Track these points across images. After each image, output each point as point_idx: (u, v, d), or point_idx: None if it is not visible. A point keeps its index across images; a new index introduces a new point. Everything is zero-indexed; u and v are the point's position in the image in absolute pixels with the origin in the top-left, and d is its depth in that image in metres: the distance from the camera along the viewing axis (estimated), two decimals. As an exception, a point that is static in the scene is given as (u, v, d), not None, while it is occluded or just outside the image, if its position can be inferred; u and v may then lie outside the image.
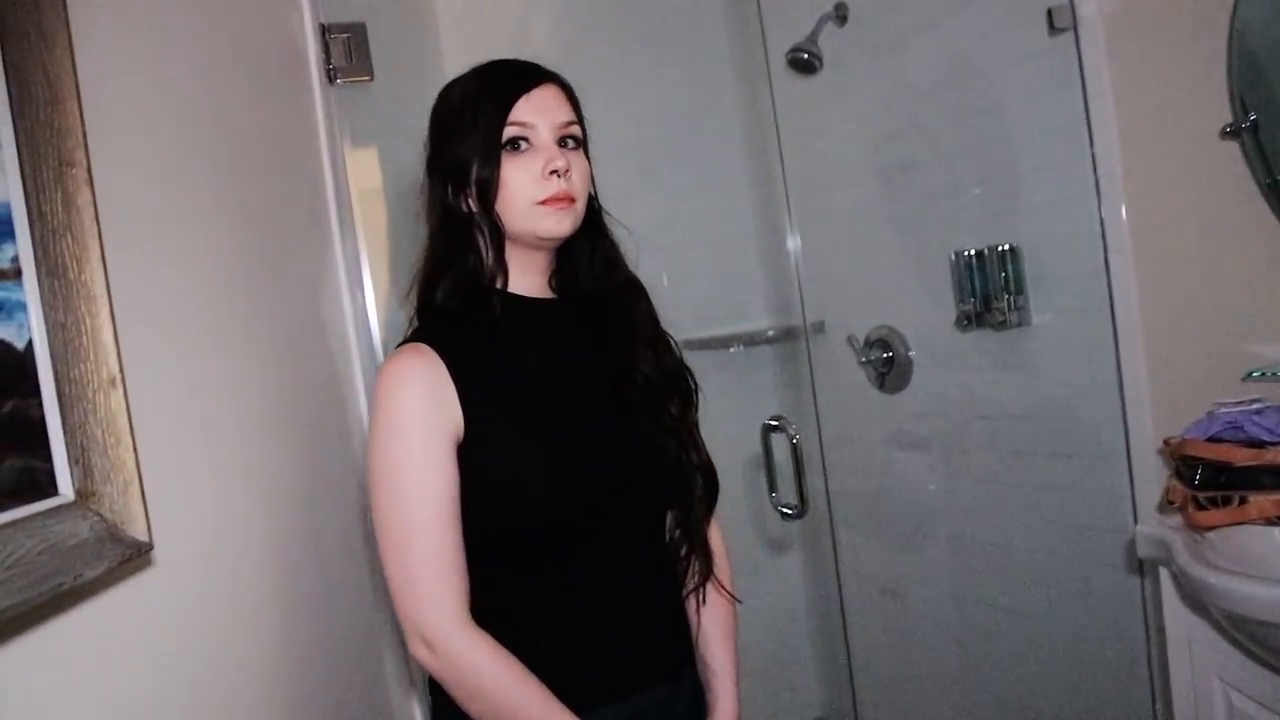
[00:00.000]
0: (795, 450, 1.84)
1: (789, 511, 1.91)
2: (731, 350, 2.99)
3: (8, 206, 0.75)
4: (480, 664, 1.18)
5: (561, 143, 1.29)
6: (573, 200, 1.28)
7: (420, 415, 1.19)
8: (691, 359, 2.91)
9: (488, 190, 1.26)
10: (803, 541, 3.06)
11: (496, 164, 1.26)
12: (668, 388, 1.38)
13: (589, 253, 1.37)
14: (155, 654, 0.90)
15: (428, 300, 1.32)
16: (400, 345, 1.27)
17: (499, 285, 1.31)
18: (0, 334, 0.72)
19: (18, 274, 0.74)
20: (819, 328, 2.80)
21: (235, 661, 1.08)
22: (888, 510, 2.71)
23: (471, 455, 1.21)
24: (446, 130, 1.29)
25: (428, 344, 1.23)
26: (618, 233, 1.42)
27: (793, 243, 2.50)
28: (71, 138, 0.80)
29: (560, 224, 1.28)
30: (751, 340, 2.92)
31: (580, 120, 1.34)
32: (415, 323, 1.34)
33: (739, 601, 1.47)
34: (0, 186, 0.74)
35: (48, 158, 0.78)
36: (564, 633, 1.26)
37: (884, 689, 2.75)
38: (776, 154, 2.51)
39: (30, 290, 0.75)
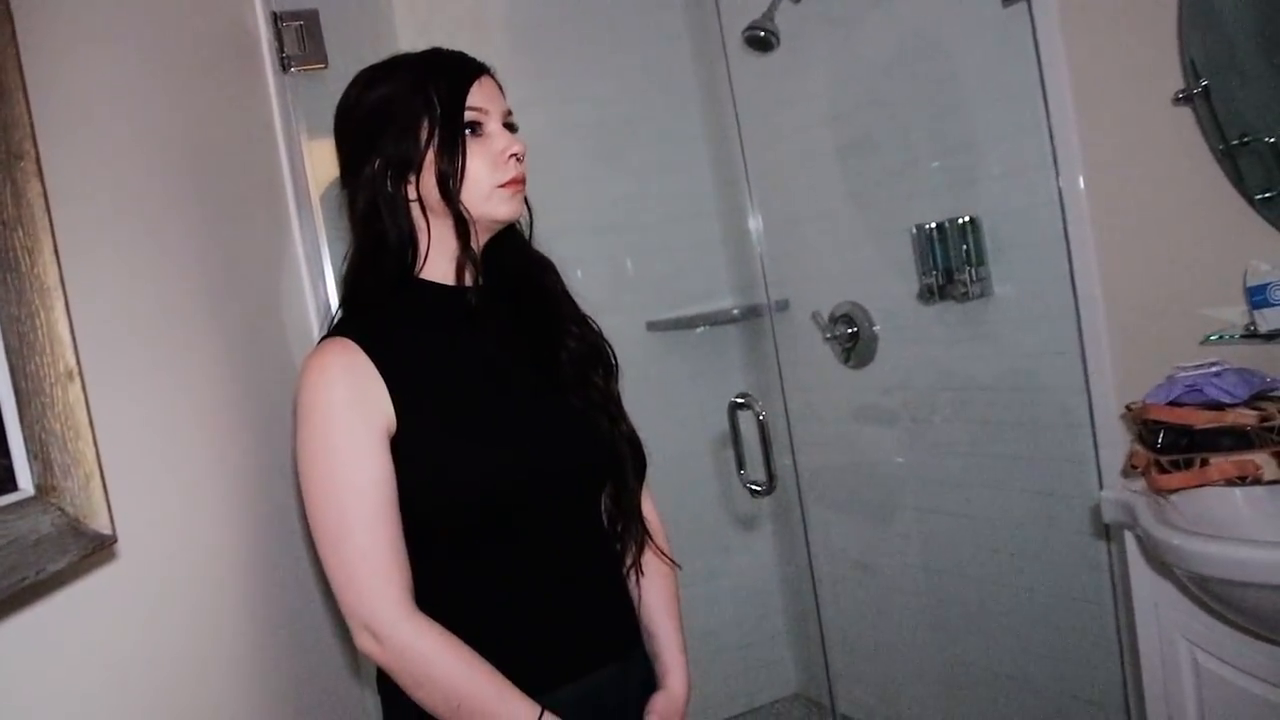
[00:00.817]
0: (762, 427, 1.85)
1: (757, 488, 1.92)
2: (698, 331, 3.00)
3: (-45, 200, 0.73)
4: (429, 652, 1.18)
5: (506, 128, 1.31)
6: (524, 183, 1.29)
7: (346, 409, 1.18)
8: (657, 340, 2.95)
9: (451, 178, 1.26)
10: (773, 518, 3.08)
11: (462, 151, 1.26)
12: (592, 360, 1.39)
13: (508, 236, 1.38)
14: (121, 646, 0.89)
15: (354, 292, 1.32)
16: (322, 339, 1.26)
17: (432, 275, 1.32)
18: (-48, 329, 0.71)
19: (-32, 268, 0.73)
20: (783, 305, 2.81)
21: (201, 652, 1.07)
22: (856, 484, 2.73)
23: (406, 446, 1.21)
24: (384, 120, 1.28)
25: (350, 337, 1.22)
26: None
27: (754, 221, 2.51)
28: (19, 129, 0.78)
29: (517, 206, 1.31)
30: (716, 320, 2.93)
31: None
32: (338, 315, 1.34)
33: (679, 567, 1.47)
34: (-54, 180, 0.73)
35: (-6, 150, 0.76)
36: (512, 617, 1.27)
37: (858, 661, 2.78)
38: (735, 133, 2.52)
39: (-18, 285, 0.74)
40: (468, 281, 1.31)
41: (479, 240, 1.31)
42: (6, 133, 0.77)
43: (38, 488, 0.76)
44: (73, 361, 0.79)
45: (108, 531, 0.80)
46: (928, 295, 2.31)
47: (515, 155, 1.29)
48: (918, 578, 2.57)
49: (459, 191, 1.26)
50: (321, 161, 1.69)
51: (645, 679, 1.40)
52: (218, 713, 1.07)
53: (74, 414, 0.79)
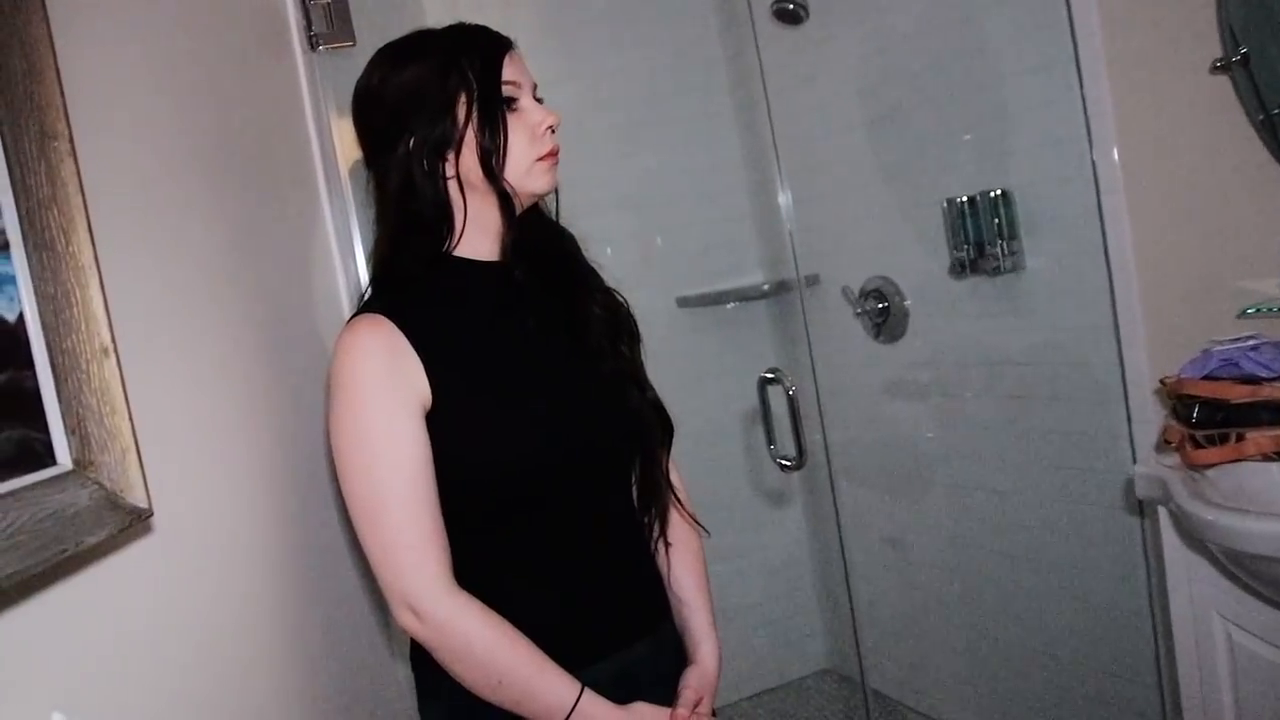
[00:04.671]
0: (791, 402, 1.85)
1: (787, 463, 1.92)
2: (728, 307, 2.99)
3: (-9, 181, 0.75)
4: (469, 628, 1.18)
5: (537, 101, 1.31)
6: (558, 155, 1.30)
7: (380, 385, 1.19)
8: (687, 316, 2.94)
9: (494, 154, 1.26)
10: (803, 494, 3.08)
11: (503, 126, 1.26)
12: (618, 329, 1.40)
13: (536, 211, 1.38)
14: (156, 617, 0.91)
15: (386, 269, 1.32)
16: (353, 317, 1.27)
17: (464, 252, 1.32)
18: (-10, 307, 0.72)
19: (5, 247, 0.74)
20: (813, 280, 2.80)
21: (235, 625, 1.09)
22: (887, 460, 2.72)
23: (441, 422, 1.21)
24: (417, 99, 1.27)
25: (383, 314, 1.23)
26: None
27: (783, 196, 2.50)
28: (52, 110, 0.79)
29: (554, 179, 1.32)
30: (746, 296, 2.92)
31: None
32: (369, 292, 1.34)
33: (707, 533, 1.48)
34: (-17, 161, 0.74)
35: (29, 131, 0.77)
36: (547, 592, 1.28)
37: (889, 637, 2.78)
38: (764, 107, 2.50)
39: (19, 263, 0.75)
40: (490, 255, 1.32)
41: (494, 217, 1.31)
42: (40, 113, 0.78)
43: (75, 462, 0.77)
44: (108, 338, 0.80)
45: (144, 505, 0.82)
46: (959, 269, 2.29)
47: (551, 127, 1.29)
48: (948, 553, 2.57)
49: (502, 167, 1.27)
50: (350, 140, 1.70)
51: (676, 652, 1.41)
52: (250, 685, 1.09)
53: (110, 390, 0.80)
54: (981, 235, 2.21)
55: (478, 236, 1.31)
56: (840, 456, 2.54)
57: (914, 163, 2.42)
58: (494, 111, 1.26)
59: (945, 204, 2.29)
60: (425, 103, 1.26)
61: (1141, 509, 1.96)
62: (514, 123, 1.27)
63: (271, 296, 1.38)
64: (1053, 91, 1.96)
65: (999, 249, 2.17)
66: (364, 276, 1.64)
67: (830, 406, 2.46)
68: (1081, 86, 1.87)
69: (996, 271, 2.19)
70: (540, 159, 1.28)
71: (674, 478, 1.46)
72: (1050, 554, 2.25)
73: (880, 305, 2.57)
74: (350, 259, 1.67)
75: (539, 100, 1.32)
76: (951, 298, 2.39)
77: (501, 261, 1.33)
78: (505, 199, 1.28)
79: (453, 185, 1.29)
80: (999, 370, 2.31)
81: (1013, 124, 2.15)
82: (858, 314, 2.61)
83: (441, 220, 1.30)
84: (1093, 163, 1.88)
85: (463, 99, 1.26)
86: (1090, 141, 1.88)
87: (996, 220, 2.17)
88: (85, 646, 0.78)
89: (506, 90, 1.27)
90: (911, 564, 2.70)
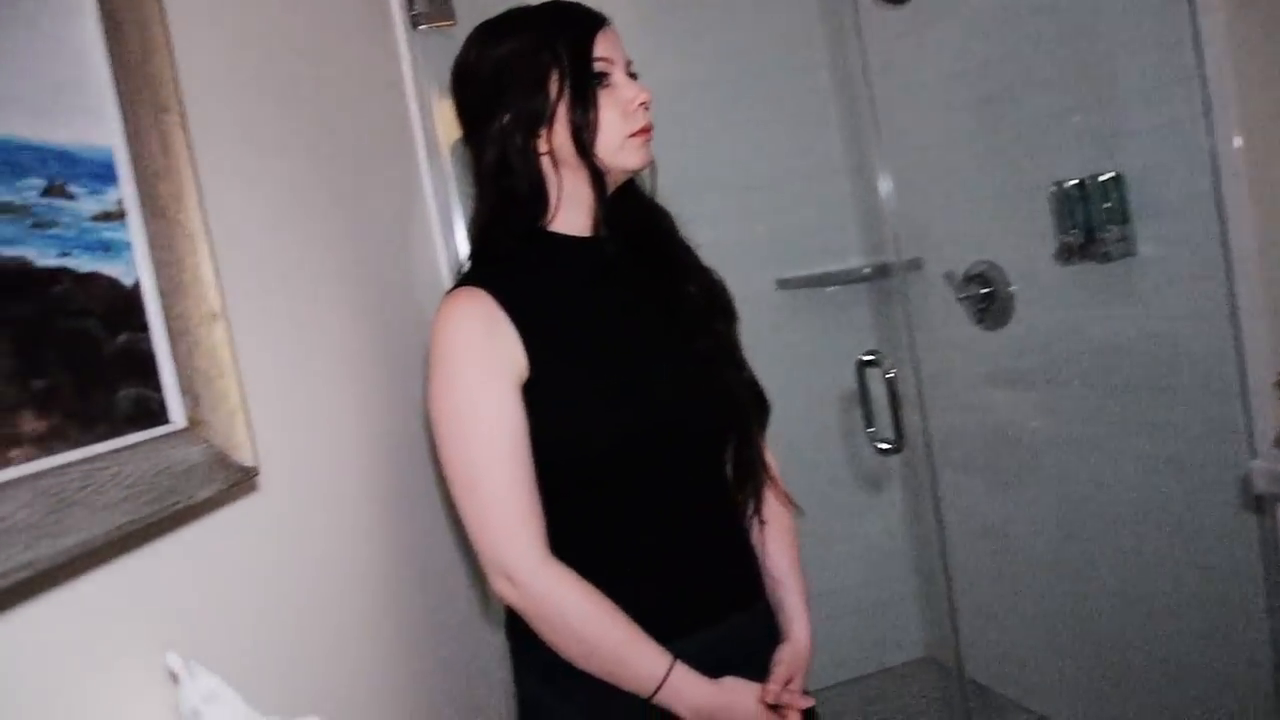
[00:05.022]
0: (890, 385, 1.82)
1: (885, 447, 1.90)
2: (829, 290, 2.97)
3: (110, 152, 0.78)
4: (564, 598, 1.20)
5: (630, 76, 1.32)
6: (652, 131, 1.30)
7: (479, 357, 1.21)
8: (787, 298, 2.92)
9: (584, 130, 1.28)
10: (902, 480, 3.04)
11: (594, 102, 1.28)
12: (714, 307, 1.39)
13: (626, 186, 1.39)
14: (260, 571, 0.95)
15: (483, 243, 1.35)
16: (451, 289, 1.29)
17: (559, 227, 1.34)
18: (111, 272, 0.76)
19: (122, 216, 0.78)
20: (915, 264, 2.75)
21: (334, 585, 1.13)
22: (988, 447, 2.67)
23: (538, 394, 1.23)
24: (510, 76, 1.29)
25: (480, 287, 1.25)
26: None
27: (885, 178, 2.46)
28: (165, 84, 0.83)
29: (648, 154, 1.33)
30: (847, 279, 2.89)
31: None
32: (467, 266, 1.37)
33: (801, 511, 1.47)
34: (103, 134, 0.78)
35: (144, 105, 0.81)
36: (640, 565, 1.29)
37: (987, 629, 2.73)
38: (865, 88, 2.46)
39: (135, 231, 0.79)
40: (583, 230, 1.34)
41: (589, 192, 1.32)
42: (154, 88, 0.82)
43: (188, 421, 0.81)
44: (216, 304, 0.84)
45: (250, 464, 0.85)
46: (1066, 255, 2.22)
47: (644, 104, 1.30)
48: (1052, 546, 2.50)
49: (593, 143, 1.28)
50: (451, 118, 1.73)
51: (768, 629, 1.41)
52: (346, 645, 1.12)
53: (219, 353, 0.84)
54: (1091, 220, 2.14)
55: (573, 212, 1.33)
56: (940, 442, 2.49)
57: (1021, 145, 2.36)
58: (585, 87, 1.27)
59: (1054, 187, 2.22)
60: (519, 79, 1.28)
61: (1259, 504, 1.88)
62: (605, 99, 1.28)
63: (372, 268, 1.42)
64: (1170, 71, 1.88)
65: (1109, 234, 2.10)
66: (463, 251, 1.67)
67: (930, 392, 2.42)
68: (1201, 66, 1.79)
69: (1106, 258, 2.12)
70: (632, 135, 1.29)
71: (768, 456, 1.46)
72: (1159, 549, 2.17)
73: (984, 291, 2.52)
74: (450, 234, 1.71)
75: (633, 76, 1.33)
76: (1058, 284, 2.33)
77: (596, 237, 1.35)
78: (597, 175, 1.30)
79: (546, 161, 1.31)
80: (1107, 359, 2.24)
81: (1126, 105, 2.08)
82: (960, 299, 2.56)
83: (536, 195, 1.32)
84: (1212, 146, 1.80)
85: (555, 75, 1.27)
86: (1209, 124, 1.80)
87: (1107, 204, 2.10)
88: (194, 595, 0.82)
89: (599, 66, 1.28)
90: (1012, 554, 2.64)
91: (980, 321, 2.57)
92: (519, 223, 1.32)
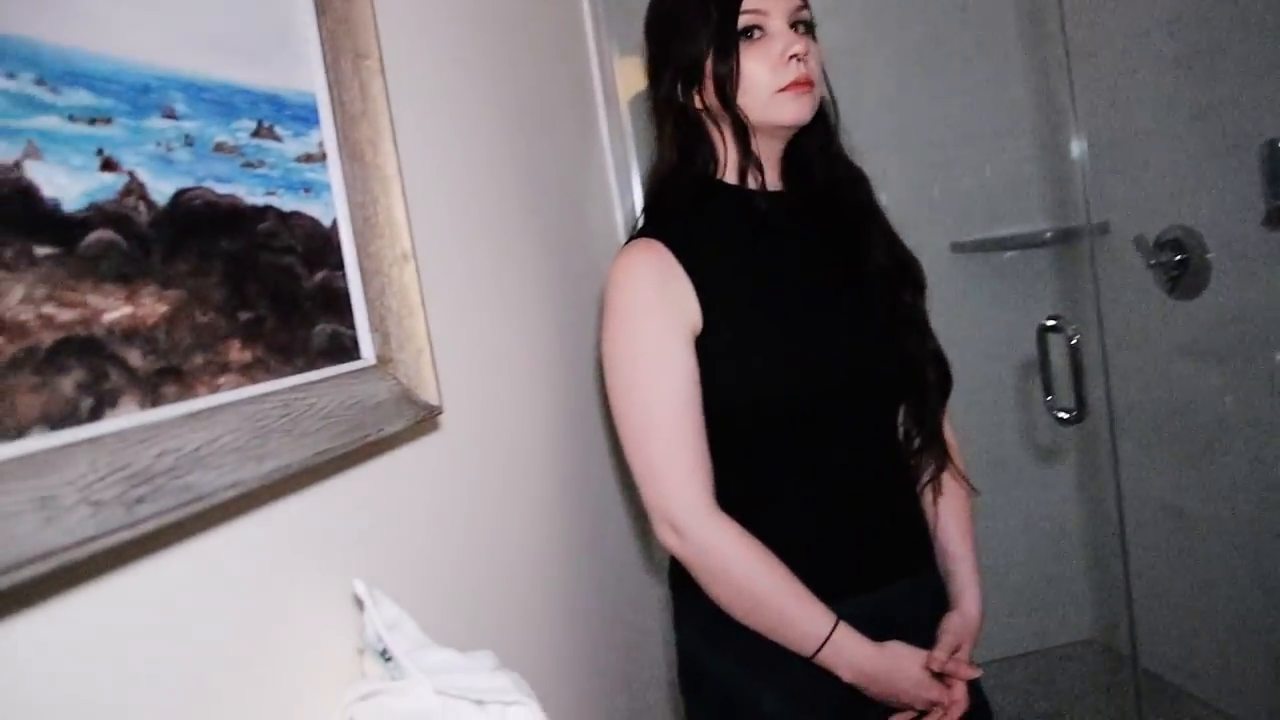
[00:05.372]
0: (1073, 351, 1.74)
1: (1065, 416, 1.82)
2: (1007, 255, 2.85)
3: (313, 96, 0.81)
4: (729, 551, 1.20)
5: (793, 28, 1.27)
6: (812, 84, 1.26)
7: (654, 308, 1.21)
8: (962, 263, 2.82)
9: (727, 83, 1.26)
10: (1077, 453, 2.91)
11: (735, 55, 1.25)
12: (902, 277, 1.35)
13: (820, 143, 1.35)
14: (440, 507, 0.98)
15: (657, 198, 1.35)
16: (628, 242, 1.29)
17: (733, 180, 1.31)
18: (311, 211, 0.79)
19: (323, 158, 0.81)
20: (1103, 229, 2.61)
21: (509, 525, 1.16)
22: (1176, 422, 2.51)
23: (710, 346, 1.23)
24: (672, 27, 1.29)
25: (657, 239, 1.25)
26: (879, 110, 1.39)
27: (1077, 137, 2.33)
28: (365, 31, 0.85)
29: (801, 109, 1.27)
30: (1027, 243, 2.77)
31: (808, 5, 1.31)
32: (641, 220, 1.37)
33: (977, 492, 1.42)
34: (307, 78, 0.81)
35: (345, 51, 0.84)
36: (807, 523, 1.27)
37: (1162, 613, 2.59)
38: (1059, 42, 2.33)
39: (334, 172, 0.82)
40: (753, 184, 1.31)
41: (761, 146, 1.30)
42: (355, 34, 0.84)
43: (378, 358, 0.84)
44: (407, 245, 0.86)
45: (435, 402, 0.88)
46: (1277, 220, 2.07)
47: (795, 56, 1.25)
48: (1241, 531, 2.35)
49: (734, 97, 1.26)
50: (630, 74, 1.74)
51: (936, 598, 1.39)
52: (518, 584, 1.15)
53: (408, 293, 0.86)
54: (1306, 182, 1.98)
55: (744, 160, 1.32)
56: (1122, 415, 2.37)
57: (1229, 101, 2.19)
58: (727, 39, 1.25)
59: (1265, 147, 2.06)
60: (678, 30, 1.28)
61: None
62: (754, 51, 1.25)
63: (550, 219, 1.44)
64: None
65: (1327, 197, 1.94)
66: (639, 205, 1.68)
67: (1115, 363, 2.30)
68: None
69: (1321, 223, 1.97)
70: (782, 89, 1.25)
71: (947, 432, 1.42)
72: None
73: (1178, 258, 2.37)
74: (627, 189, 1.72)
75: (801, 25, 1.29)
76: (1265, 251, 2.16)
77: (777, 191, 1.33)
78: (741, 129, 1.28)
79: (705, 115, 1.30)
80: (1317, 333, 2.08)
81: (1351, 55, 1.91)
82: (1151, 265, 2.41)
83: (704, 148, 1.31)
84: None
85: (705, 27, 1.26)
86: None
87: (1325, 165, 1.94)
88: (377, 527, 0.85)
89: (749, 19, 1.25)
90: (1198, 537, 2.49)
91: (1171, 290, 2.42)
92: (690, 175, 1.32)
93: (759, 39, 1.26)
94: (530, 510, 1.22)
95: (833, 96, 1.37)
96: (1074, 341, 1.74)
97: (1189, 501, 2.50)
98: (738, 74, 1.26)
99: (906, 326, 1.35)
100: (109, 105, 0.59)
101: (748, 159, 1.30)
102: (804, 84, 1.26)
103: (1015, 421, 2.90)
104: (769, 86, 1.26)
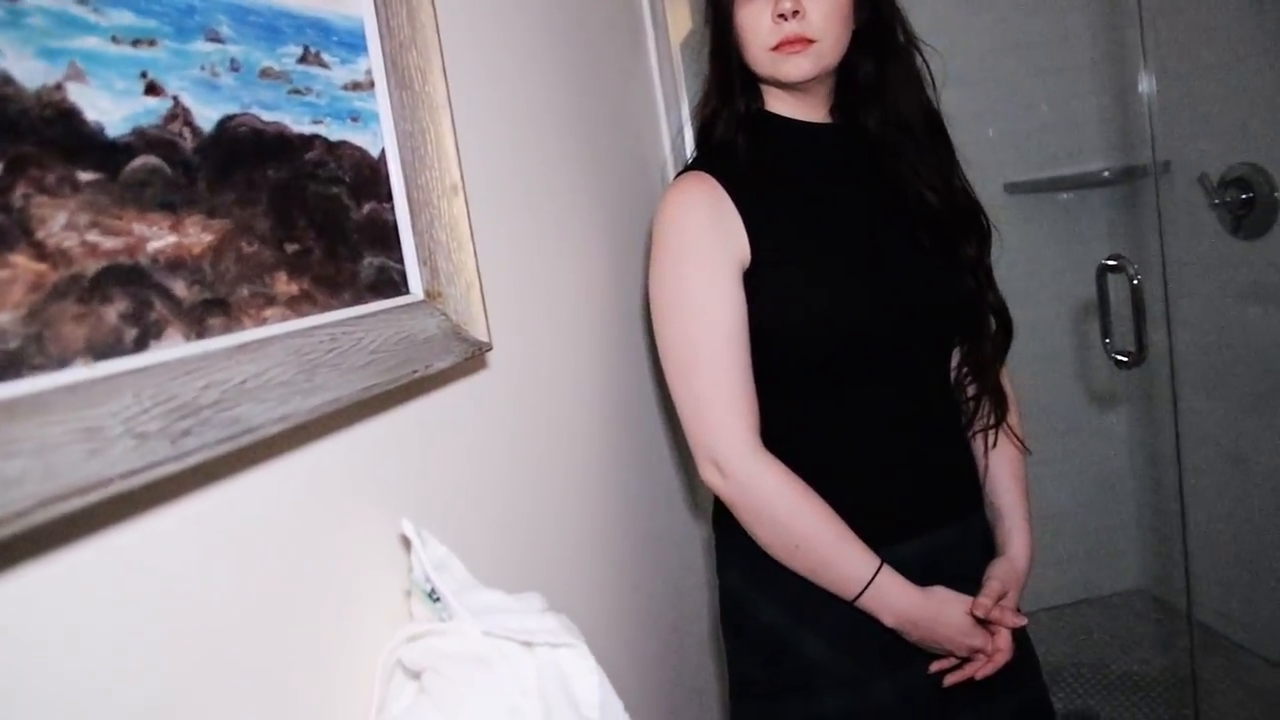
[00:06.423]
0: (1135, 292, 1.69)
1: (1124, 359, 1.77)
2: (1063, 196, 2.78)
3: (361, 22, 0.79)
4: (772, 490, 1.19)
5: None
6: (809, 41, 1.21)
7: (704, 242, 1.19)
8: (1016, 203, 2.76)
9: (727, 36, 1.26)
10: (1131, 399, 2.86)
11: (728, 13, 1.24)
12: (962, 226, 1.31)
13: (874, 79, 1.31)
14: (489, 444, 0.96)
15: (708, 132, 1.32)
16: (679, 175, 1.27)
17: (785, 112, 1.31)
18: (359, 141, 0.77)
19: (371, 86, 0.79)
20: (1164, 167, 2.53)
21: (555, 463, 1.14)
22: (1238, 368, 2.45)
23: (759, 281, 1.20)
24: None
25: (707, 172, 1.22)
26: (928, 54, 1.33)
27: (1145, 72, 2.24)
28: (413, -46, 0.82)
29: (798, 68, 1.23)
30: (1084, 183, 2.69)
31: None
32: (694, 155, 1.35)
33: (1029, 453, 1.39)
34: (354, 3, 0.78)
35: (393, -27, 0.81)
36: (855, 465, 1.25)
37: (1216, 564, 2.55)
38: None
39: (382, 101, 0.80)
40: (826, 120, 1.29)
41: (815, 82, 1.28)
42: (403, -44, 0.81)
43: (426, 293, 0.82)
44: (457, 176, 0.84)
45: (485, 339, 0.86)
46: (1351, 157, 1.99)
47: (783, 15, 1.20)
48: (1306, 483, 2.30)
49: (740, 52, 1.26)
50: (681, 12, 1.70)
51: (985, 543, 1.36)
52: (566, 521, 1.14)
53: (458, 226, 0.84)
54: (1385, 117, 1.90)
55: (788, 99, 1.29)
56: (1181, 359, 2.32)
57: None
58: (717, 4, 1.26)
59: (1342, 80, 1.98)
60: None
61: None
62: (750, 10, 1.23)
63: (603, 152, 1.41)
64: None
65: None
66: (690, 145, 1.65)
67: (1174, 304, 2.24)
68: None
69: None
70: (774, 48, 1.22)
71: (1006, 386, 1.39)
72: None
73: (1244, 196, 2.29)
74: (677, 126, 1.68)
75: None
76: (1337, 189, 2.09)
77: (826, 124, 1.31)
78: (746, 75, 1.29)
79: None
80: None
81: None
82: (1214, 205, 2.33)
83: (743, 85, 1.29)
84: None
85: None
86: None
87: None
88: (425, 465, 0.84)
89: None
90: (1257, 486, 2.44)
91: (1236, 230, 2.35)
92: (735, 110, 1.30)
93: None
94: (577, 451, 1.20)
95: (893, 28, 1.32)
96: (1135, 281, 1.69)
97: (1249, 449, 2.44)
98: (734, 32, 1.25)
99: (963, 271, 1.32)
100: (152, 27, 0.57)
101: (729, 111, 1.30)
102: (796, 42, 1.22)
103: (1070, 367, 2.85)
104: (764, 45, 1.24)
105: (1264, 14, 2.20)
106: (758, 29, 1.23)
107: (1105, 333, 1.80)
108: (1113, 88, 2.66)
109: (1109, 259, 1.77)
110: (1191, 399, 2.50)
